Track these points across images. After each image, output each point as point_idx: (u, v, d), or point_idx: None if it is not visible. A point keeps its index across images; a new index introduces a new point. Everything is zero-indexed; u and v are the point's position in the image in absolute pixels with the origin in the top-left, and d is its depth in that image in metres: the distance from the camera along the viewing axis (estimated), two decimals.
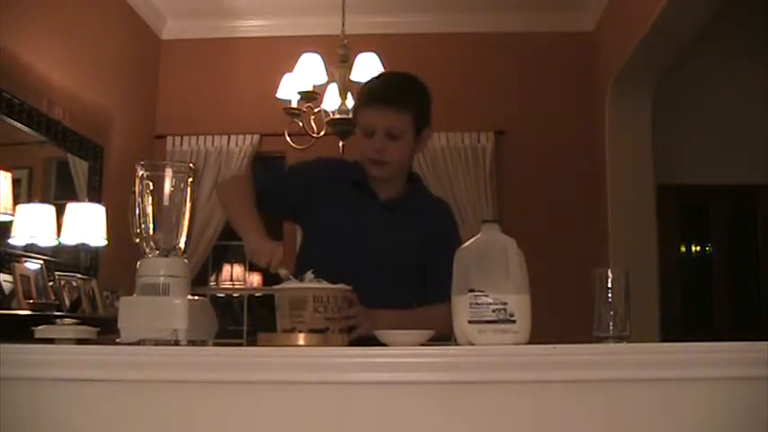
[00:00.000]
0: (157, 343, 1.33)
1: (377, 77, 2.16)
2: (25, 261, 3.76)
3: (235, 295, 6.05)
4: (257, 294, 5.90)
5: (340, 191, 1.98)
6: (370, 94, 1.96)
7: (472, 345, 1.28)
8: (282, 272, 1.66)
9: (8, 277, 3.58)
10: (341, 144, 3.96)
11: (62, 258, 4.16)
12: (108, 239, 4.15)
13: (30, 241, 3.72)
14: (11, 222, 3.61)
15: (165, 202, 1.46)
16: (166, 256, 1.44)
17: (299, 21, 5.53)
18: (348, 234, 1.94)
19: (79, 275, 4.27)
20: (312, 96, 3.93)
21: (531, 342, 1.28)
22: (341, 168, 2.05)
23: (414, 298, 1.92)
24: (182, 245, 1.46)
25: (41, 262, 3.87)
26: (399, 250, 1.94)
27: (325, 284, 1.47)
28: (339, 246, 1.92)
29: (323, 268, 1.55)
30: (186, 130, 5.63)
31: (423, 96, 1.98)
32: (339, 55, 4.03)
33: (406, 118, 1.90)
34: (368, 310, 1.73)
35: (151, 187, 1.45)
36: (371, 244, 1.93)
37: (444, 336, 1.47)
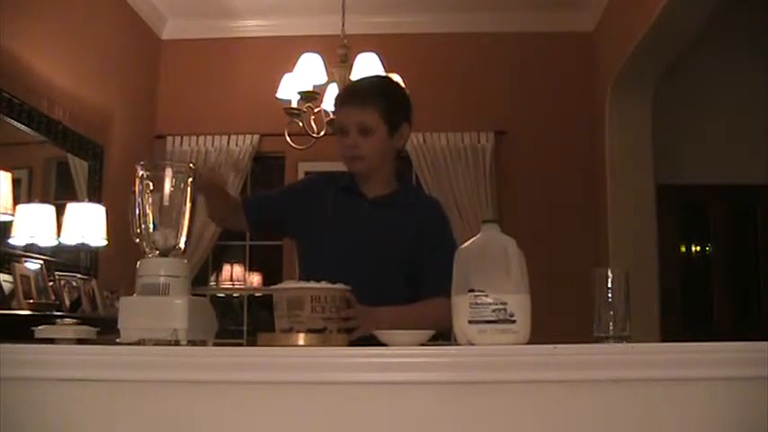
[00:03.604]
0: (157, 343, 1.33)
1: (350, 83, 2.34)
2: (25, 261, 3.75)
3: (235, 295, 6.06)
4: (257, 294, 5.91)
5: (327, 196, 2.04)
6: (341, 96, 2.12)
7: (472, 345, 1.28)
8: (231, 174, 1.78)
9: (8, 277, 3.58)
10: None
11: (62, 258, 4.16)
12: (108, 239, 4.15)
13: (30, 241, 3.72)
14: (11, 222, 3.61)
15: (165, 202, 1.46)
16: (166, 256, 1.44)
17: (299, 21, 5.53)
18: (339, 235, 1.98)
19: (79, 275, 4.27)
20: (312, 96, 3.93)
21: (531, 342, 1.28)
22: (327, 178, 2.13)
23: (408, 293, 1.94)
24: (182, 245, 1.46)
25: (41, 262, 3.87)
26: (391, 246, 1.96)
27: (323, 284, 1.47)
28: (332, 247, 1.96)
29: (321, 271, 1.56)
30: (186, 130, 5.63)
31: (393, 93, 2.06)
32: (339, 55, 4.03)
33: (374, 113, 1.96)
34: (368, 310, 1.74)
35: (151, 187, 1.45)
36: (362, 242, 1.96)
37: (443, 330, 1.48)
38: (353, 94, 2.05)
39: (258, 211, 2.12)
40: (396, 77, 3.76)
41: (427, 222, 2.01)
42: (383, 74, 2.21)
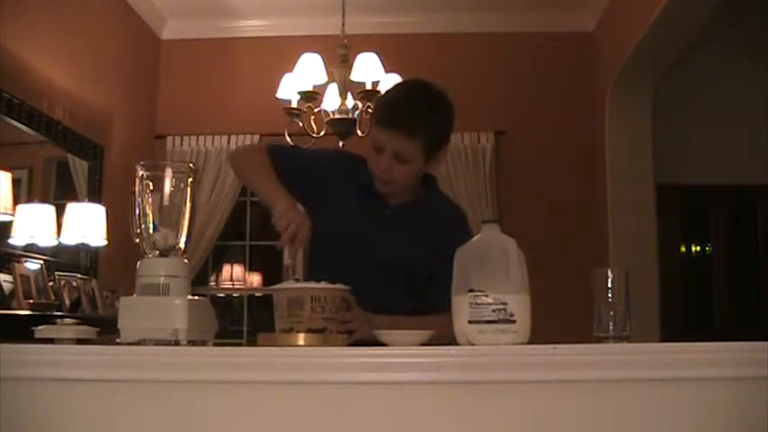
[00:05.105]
0: (157, 343, 1.33)
1: (399, 88, 2.05)
2: (25, 261, 3.75)
3: (235, 295, 6.06)
4: (257, 294, 5.91)
5: (349, 193, 1.93)
6: (385, 111, 1.88)
7: (472, 345, 1.28)
8: (287, 261, 1.65)
9: (8, 277, 3.58)
10: (341, 144, 3.96)
11: (62, 258, 4.16)
12: (108, 239, 4.15)
13: (30, 241, 3.71)
14: (11, 222, 3.61)
15: (165, 202, 1.47)
16: (166, 256, 1.44)
17: (299, 21, 5.53)
18: (354, 238, 1.90)
19: (79, 275, 4.27)
20: (312, 96, 3.93)
21: (531, 342, 1.28)
22: (354, 169, 1.97)
23: (418, 305, 1.88)
24: (182, 245, 1.46)
25: (41, 262, 3.87)
26: (406, 256, 1.90)
27: (323, 284, 1.47)
28: (345, 249, 1.89)
29: (327, 269, 1.55)
30: (186, 130, 5.63)
31: (441, 118, 1.87)
32: (339, 55, 4.03)
33: (416, 144, 1.81)
34: (368, 314, 1.71)
35: (151, 187, 1.45)
36: (378, 249, 1.90)
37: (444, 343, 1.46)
38: (399, 118, 1.82)
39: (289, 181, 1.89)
40: (395, 78, 3.78)
41: (444, 236, 1.83)
42: (435, 90, 1.89)
